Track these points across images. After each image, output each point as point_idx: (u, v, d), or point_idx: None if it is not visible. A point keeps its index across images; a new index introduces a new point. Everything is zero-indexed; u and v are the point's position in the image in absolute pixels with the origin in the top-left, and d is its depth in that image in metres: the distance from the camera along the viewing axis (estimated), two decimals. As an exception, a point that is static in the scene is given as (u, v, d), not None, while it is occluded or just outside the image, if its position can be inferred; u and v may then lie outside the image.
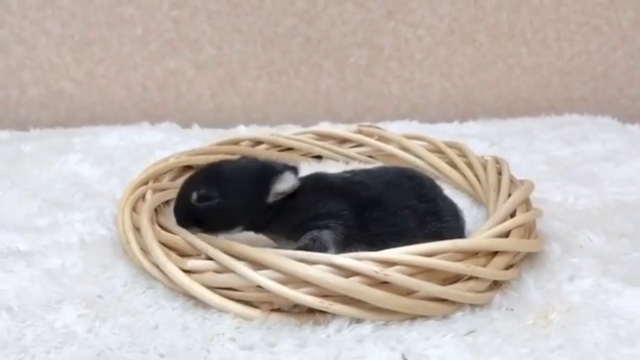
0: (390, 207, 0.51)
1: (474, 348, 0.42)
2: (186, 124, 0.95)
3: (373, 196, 0.51)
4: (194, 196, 0.48)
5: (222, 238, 0.48)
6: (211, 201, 0.48)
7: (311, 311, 0.45)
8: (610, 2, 1.03)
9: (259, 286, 0.44)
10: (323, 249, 0.47)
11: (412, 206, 0.52)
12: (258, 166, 0.51)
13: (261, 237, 0.52)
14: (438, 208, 0.54)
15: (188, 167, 0.68)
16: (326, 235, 0.48)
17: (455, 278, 0.46)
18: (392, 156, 0.75)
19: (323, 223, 0.49)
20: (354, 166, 0.76)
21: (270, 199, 0.49)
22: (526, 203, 0.55)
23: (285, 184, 0.49)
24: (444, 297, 0.45)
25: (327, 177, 0.54)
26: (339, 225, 0.49)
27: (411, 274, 0.44)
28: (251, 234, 0.51)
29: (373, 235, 0.49)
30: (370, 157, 0.78)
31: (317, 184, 0.52)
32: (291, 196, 0.49)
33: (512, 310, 0.47)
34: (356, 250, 0.46)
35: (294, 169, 0.51)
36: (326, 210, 0.49)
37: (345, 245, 0.49)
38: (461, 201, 0.64)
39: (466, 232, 0.58)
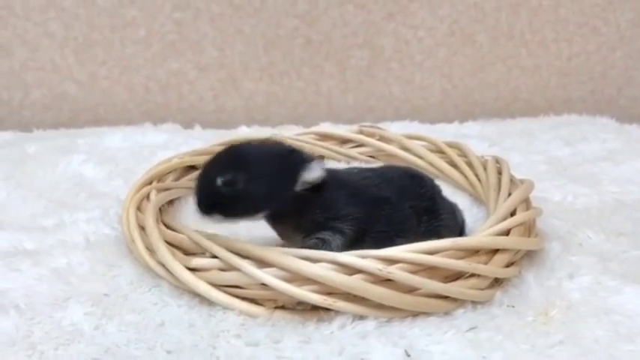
0: (397, 205, 0.51)
1: (475, 344, 0.43)
2: (188, 125, 0.95)
3: (384, 194, 0.51)
4: (219, 180, 0.46)
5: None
6: (237, 185, 0.45)
7: (315, 308, 0.45)
8: (608, 3, 1.04)
9: (264, 284, 0.45)
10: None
11: (414, 204, 0.52)
12: (286, 151, 0.49)
13: (262, 234, 0.52)
14: (437, 207, 0.54)
15: (191, 167, 0.68)
16: (337, 239, 0.48)
17: (457, 276, 0.47)
18: (393, 156, 0.76)
19: (339, 226, 0.48)
20: (356, 165, 0.76)
21: (298, 187, 0.47)
22: (526, 202, 0.56)
23: (313, 174, 0.47)
24: (446, 294, 0.46)
25: (343, 173, 0.54)
26: (352, 230, 0.49)
27: (414, 272, 0.45)
28: (252, 229, 0.51)
29: (381, 232, 0.50)
30: (371, 157, 0.78)
31: (338, 179, 0.51)
32: (315, 188, 0.47)
33: (513, 307, 0.48)
34: (363, 247, 0.47)
35: (320, 160, 0.49)
36: (346, 212, 0.49)
37: (353, 244, 0.49)
38: (461, 200, 0.65)
39: (467, 230, 0.59)
